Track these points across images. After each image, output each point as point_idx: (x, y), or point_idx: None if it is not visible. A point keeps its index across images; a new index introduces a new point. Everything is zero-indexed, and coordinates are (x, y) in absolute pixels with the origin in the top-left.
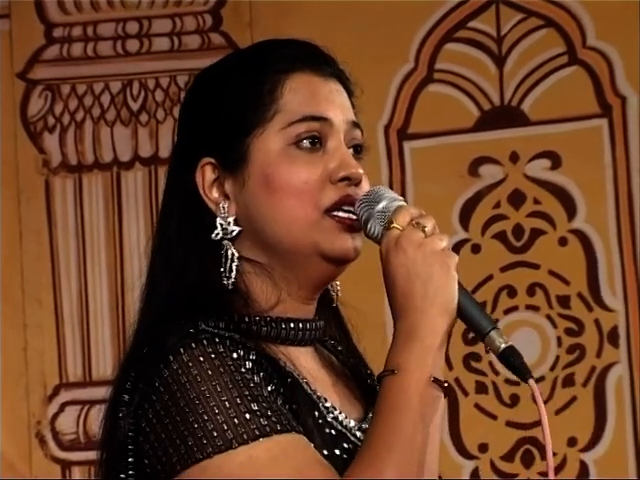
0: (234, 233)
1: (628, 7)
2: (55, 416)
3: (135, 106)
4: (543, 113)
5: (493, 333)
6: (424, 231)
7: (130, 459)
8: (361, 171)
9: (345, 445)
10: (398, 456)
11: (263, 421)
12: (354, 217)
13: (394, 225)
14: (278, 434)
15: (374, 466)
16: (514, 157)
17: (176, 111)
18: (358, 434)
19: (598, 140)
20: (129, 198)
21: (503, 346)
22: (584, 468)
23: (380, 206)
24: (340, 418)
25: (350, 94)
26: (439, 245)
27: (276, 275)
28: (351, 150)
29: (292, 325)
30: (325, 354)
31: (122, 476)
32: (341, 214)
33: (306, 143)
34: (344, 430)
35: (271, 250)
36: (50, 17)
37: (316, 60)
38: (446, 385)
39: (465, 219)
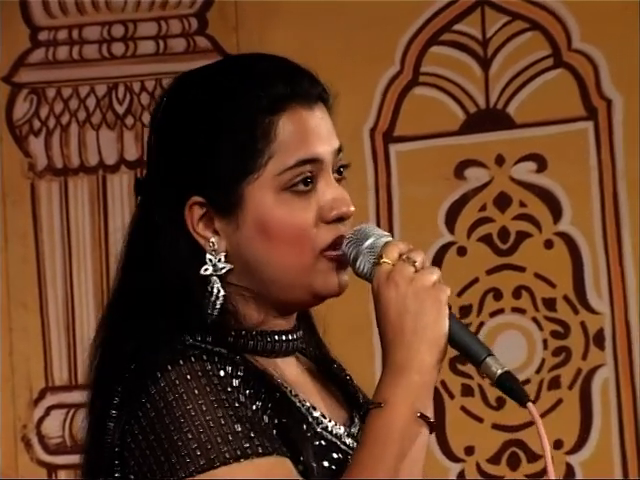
0: (224, 271)
1: (613, 10)
2: (41, 420)
3: (121, 109)
4: (529, 116)
5: (489, 360)
6: (414, 265)
7: (117, 474)
8: (352, 209)
9: (334, 455)
10: None
11: (245, 443)
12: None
13: (384, 260)
14: (259, 457)
15: None
16: (500, 160)
17: None
18: (347, 441)
19: (584, 143)
20: (115, 201)
21: (499, 372)
22: (570, 471)
23: (367, 243)
24: (329, 427)
25: (330, 108)
26: (430, 280)
27: (265, 302)
28: (335, 175)
29: (276, 337)
30: (304, 361)
31: None
32: (333, 253)
33: (300, 187)
34: (334, 439)
35: (263, 287)
36: (35, 20)
37: (303, 89)
38: (432, 421)
39: (451, 222)
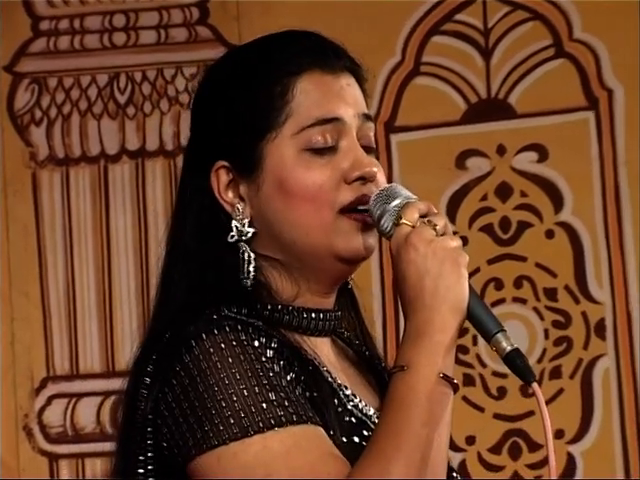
0: (249, 235)
1: (614, 0)
2: (42, 409)
3: (122, 99)
4: (530, 106)
5: (499, 335)
6: (435, 229)
7: (149, 441)
8: (375, 169)
9: (365, 432)
10: (405, 453)
11: (279, 411)
12: (368, 216)
13: (403, 221)
14: (293, 425)
15: (381, 463)
16: (501, 150)
17: (163, 104)
18: (377, 421)
19: (585, 133)
20: (116, 191)
21: (509, 349)
22: (571, 460)
23: (394, 203)
24: (360, 406)
25: (362, 81)
26: (450, 244)
27: (293, 271)
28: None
29: (313, 315)
30: (341, 345)
31: (141, 457)
32: (355, 213)
33: (320, 146)
34: (364, 418)
35: (287, 250)
36: (37, 10)
37: (325, 56)
38: (455, 382)
39: (452, 212)
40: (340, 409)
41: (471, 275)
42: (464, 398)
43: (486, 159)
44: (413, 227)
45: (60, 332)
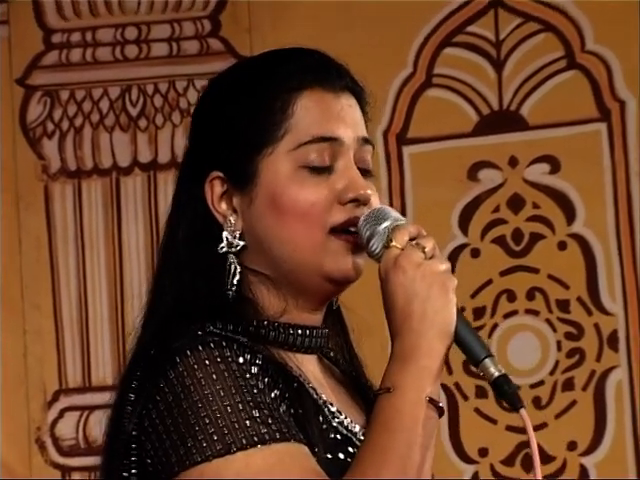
0: (238, 247)
1: (627, 11)
2: (55, 422)
3: (134, 111)
4: (542, 117)
5: (488, 361)
6: (424, 252)
7: (133, 457)
8: (370, 192)
9: (350, 449)
10: (390, 474)
11: (263, 428)
12: (358, 237)
13: (393, 244)
14: (277, 442)
15: None
16: (513, 161)
17: (175, 116)
18: (363, 438)
19: (597, 144)
20: (128, 204)
21: (496, 374)
22: (584, 472)
23: (384, 225)
24: (345, 423)
25: (363, 103)
26: (438, 267)
27: (281, 287)
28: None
29: (299, 331)
30: (327, 364)
31: (125, 474)
32: (346, 234)
33: (315, 164)
34: (349, 435)
35: (275, 267)
36: (49, 23)
37: (327, 74)
38: (441, 406)
39: (464, 224)
40: (325, 426)
41: (483, 287)
42: (477, 410)
43: (498, 171)
44: (402, 249)
45: (72, 344)
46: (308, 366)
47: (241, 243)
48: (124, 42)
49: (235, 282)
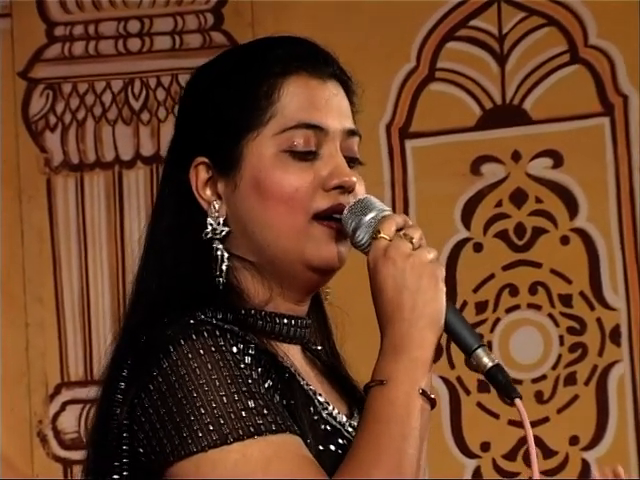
0: (223, 233)
1: (629, 5)
2: (57, 415)
3: (137, 105)
4: (545, 112)
5: (480, 351)
6: (412, 242)
7: (125, 447)
8: (354, 179)
9: (340, 441)
10: (386, 465)
11: (259, 419)
12: (341, 225)
13: (381, 235)
14: (272, 434)
15: (361, 474)
16: (516, 156)
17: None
18: (350, 429)
19: (600, 138)
20: (131, 197)
21: (490, 364)
22: (586, 467)
23: (369, 216)
24: (334, 414)
25: (350, 93)
26: (427, 257)
27: (266, 275)
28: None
29: (285, 321)
30: (309, 356)
31: (116, 463)
32: (329, 221)
33: (300, 149)
34: (338, 426)
35: (259, 253)
36: (51, 16)
37: (315, 61)
38: (433, 398)
39: (467, 218)
40: (316, 417)
41: (486, 281)
42: (479, 404)
43: (501, 165)
44: (390, 240)
45: (74, 338)
46: (294, 356)
47: (225, 229)
48: (127, 35)
49: (224, 268)
